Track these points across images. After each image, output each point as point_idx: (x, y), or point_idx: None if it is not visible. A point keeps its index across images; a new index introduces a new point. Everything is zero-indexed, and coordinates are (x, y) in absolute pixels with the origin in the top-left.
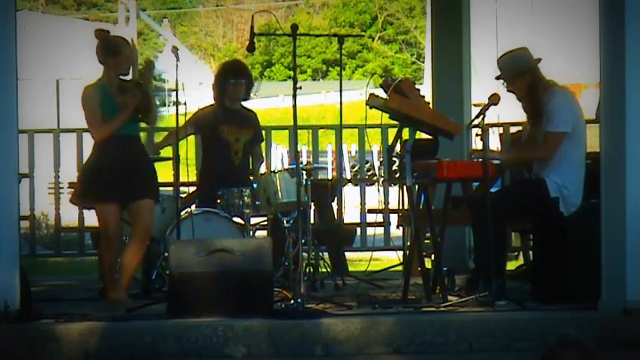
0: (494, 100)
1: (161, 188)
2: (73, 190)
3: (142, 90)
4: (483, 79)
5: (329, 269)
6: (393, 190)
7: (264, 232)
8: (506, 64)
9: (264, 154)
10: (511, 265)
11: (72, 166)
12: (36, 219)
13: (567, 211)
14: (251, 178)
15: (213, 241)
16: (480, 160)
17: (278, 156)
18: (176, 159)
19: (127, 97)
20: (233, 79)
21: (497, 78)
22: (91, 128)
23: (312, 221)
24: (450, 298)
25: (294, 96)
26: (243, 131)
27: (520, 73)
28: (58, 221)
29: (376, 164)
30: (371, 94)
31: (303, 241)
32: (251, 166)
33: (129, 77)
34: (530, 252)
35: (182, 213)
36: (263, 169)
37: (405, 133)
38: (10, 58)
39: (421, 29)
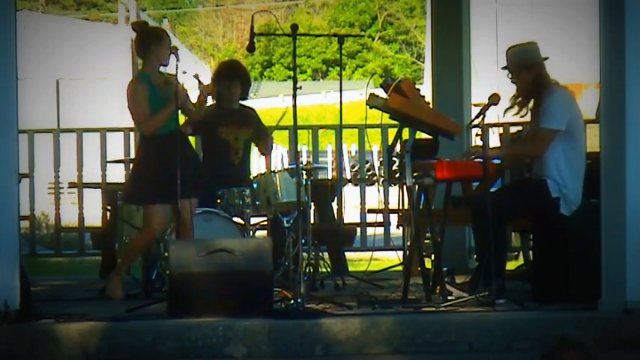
0: (494, 100)
1: None
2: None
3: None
4: (483, 79)
5: (329, 269)
6: (393, 190)
7: (264, 232)
8: (515, 56)
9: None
10: (511, 265)
11: (72, 166)
12: (36, 219)
13: (568, 211)
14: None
15: (213, 241)
16: (474, 157)
17: (278, 156)
18: (176, 159)
19: (176, 87)
20: (227, 81)
21: (504, 68)
22: (140, 123)
23: (312, 221)
24: (449, 297)
25: (294, 96)
26: (243, 130)
27: (527, 66)
28: (58, 221)
29: (376, 164)
30: (371, 94)
31: (303, 241)
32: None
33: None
34: (530, 252)
35: None
36: (263, 169)
37: (405, 133)
38: (10, 58)
39: (421, 29)
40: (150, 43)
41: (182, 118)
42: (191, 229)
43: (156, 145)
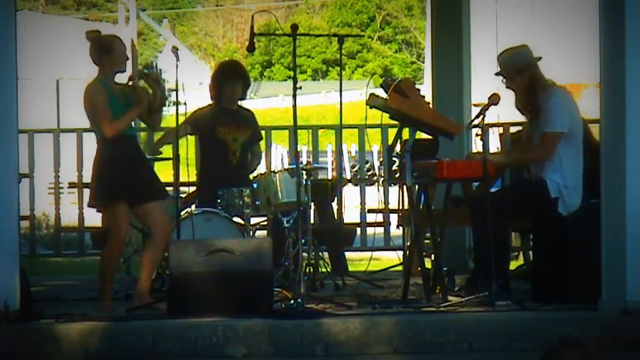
0: (494, 100)
1: None
2: (89, 192)
3: (155, 84)
4: (483, 79)
5: (329, 269)
6: (393, 190)
7: (264, 232)
8: (507, 61)
9: (263, 154)
10: (511, 265)
11: (72, 166)
12: (36, 219)
13: (567, 211)
14: (250, 177)
15: (213, 241)
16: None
17: (278, 156)
18: (176, 159)
19: (138, 91)
20: (229, 80)
21: (497, 74)
22: (102, 124)
23: (312, 221)
24: (450, 298)
25: (294, 96)
26: (241, 131)
27: (520, 70)
28: (58, 221)
29: (376, 164)
30: (371, 94)
31: (303, 241)
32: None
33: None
34: (530, 252)
35: (182, 213)
36: (263, 168)
37: (405, 133)
38: (10, 58)
39: (420, 29)
40: (101, 55)
41: (181, 119)
42: (168, 229)
43: (117, 146)
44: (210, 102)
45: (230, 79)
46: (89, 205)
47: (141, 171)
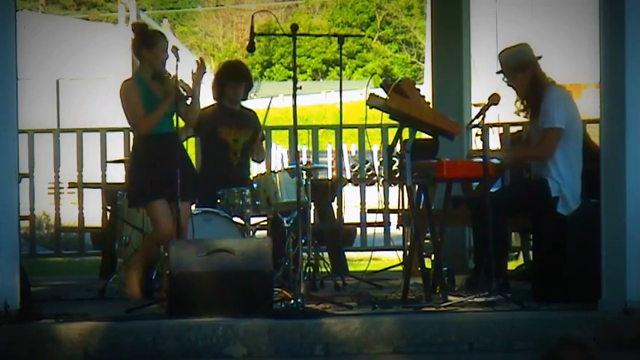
0: (494, 100)
1: None
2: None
3: (176, 83)
4: (483, 79)
5: (329, 269)
6: (393, 190)
7: (264, 232)
8: (508, 59)
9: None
10: (511, 265)
11: (72, 166)
12: (36, 219)
13: (567, 211)
14: (250, 177)
15: (213, 241)
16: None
17: (278, 156)
18: (176, 159)
19: (165, 85)
20: (232, 82)
21: (499, 72)
22: (134, 121)
23: (312, 221)
24: (450, 298)
25: (294, 96)
26: (242, 132)
27: (521, 68)
28: (58, 221)
29: (376, 164)
30: (371, 94)
31: (303, 241)
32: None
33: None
34: (530, 252)
35: None
36: (263, 168)
37: (405, 133)
38: (10, 58)
39: (420, 29)
40: (142, 47)
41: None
42: (186, 233)
43: (152, 145)
44: (213, 102)
45: (233, 80)
46: (130, 206)
47: (178, 169)
